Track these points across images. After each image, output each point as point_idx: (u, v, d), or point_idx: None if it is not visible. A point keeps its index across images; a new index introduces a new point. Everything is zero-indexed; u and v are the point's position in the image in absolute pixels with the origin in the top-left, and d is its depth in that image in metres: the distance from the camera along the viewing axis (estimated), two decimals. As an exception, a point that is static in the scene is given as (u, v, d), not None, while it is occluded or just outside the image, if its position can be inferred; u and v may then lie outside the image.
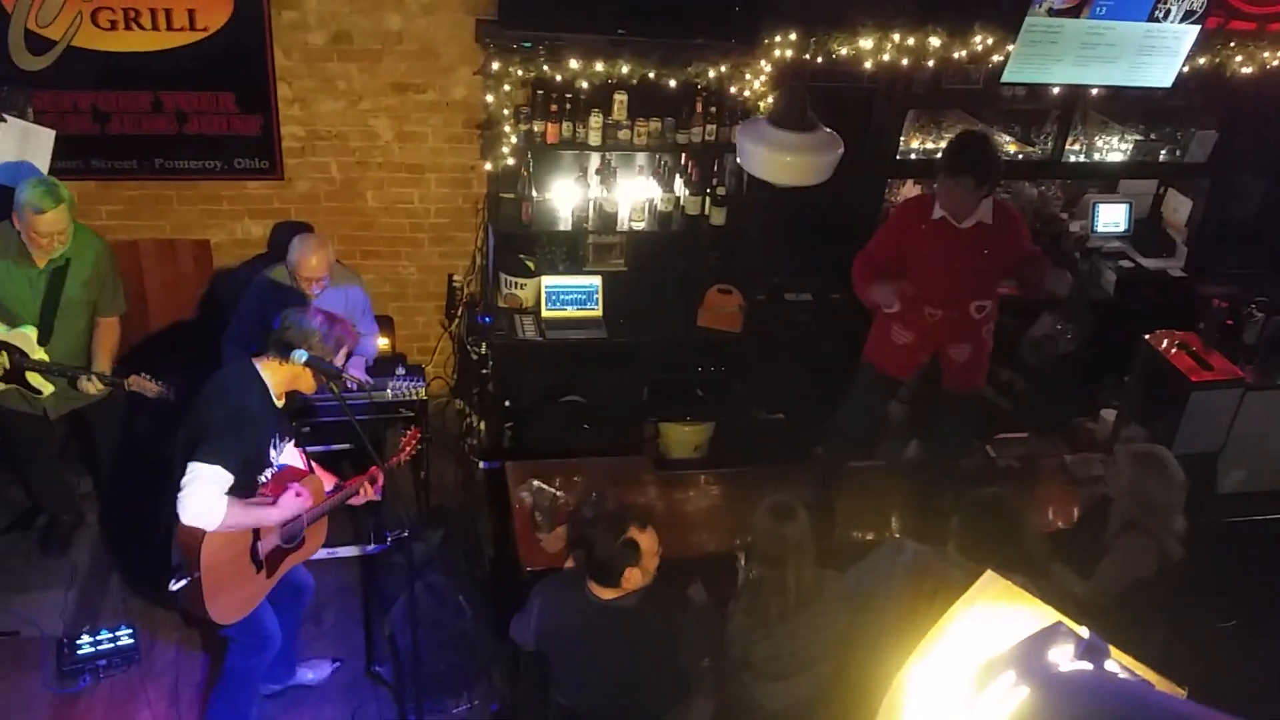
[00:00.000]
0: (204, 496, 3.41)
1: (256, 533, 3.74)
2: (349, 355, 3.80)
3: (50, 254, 4.30)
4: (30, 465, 4.98)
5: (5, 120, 4.68)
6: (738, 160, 4.37)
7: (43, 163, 4.75)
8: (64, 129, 5.01)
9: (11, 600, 4.78)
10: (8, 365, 4.39)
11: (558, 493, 4.64)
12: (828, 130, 4.12)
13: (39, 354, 4.40)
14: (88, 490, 5.32)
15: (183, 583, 3.58)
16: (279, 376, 3.62)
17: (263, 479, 3.70)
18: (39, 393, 4.50)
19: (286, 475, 3.86)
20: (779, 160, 4.06)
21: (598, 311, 5.75)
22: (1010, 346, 5.09)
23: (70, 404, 4.65)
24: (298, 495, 3.73)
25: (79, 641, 4.52)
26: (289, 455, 3.94)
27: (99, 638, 4.54)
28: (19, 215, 4.20)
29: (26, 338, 4.38)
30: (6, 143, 4.67)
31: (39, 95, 5.10)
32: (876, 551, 3.80)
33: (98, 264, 4.49)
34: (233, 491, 3.50)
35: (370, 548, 5.10)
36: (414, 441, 4.17)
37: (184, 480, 3.41)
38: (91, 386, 4.41)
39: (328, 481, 4.00)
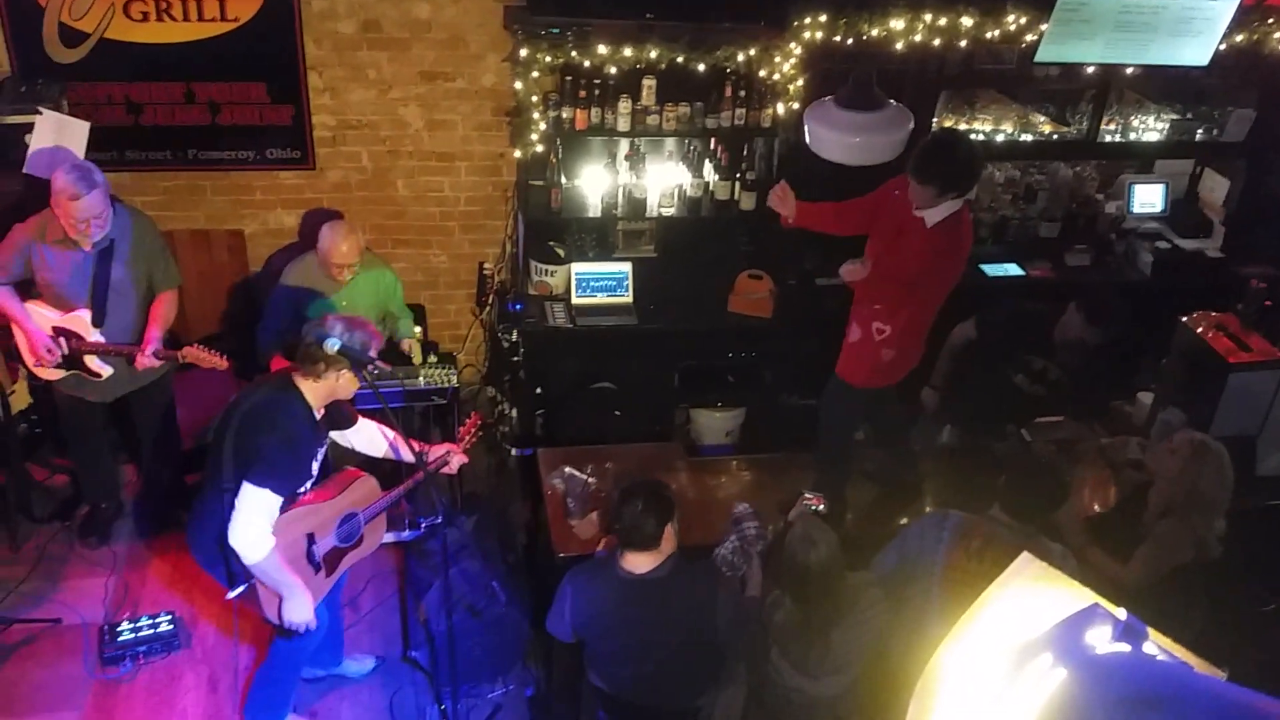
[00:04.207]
0: (255, 525, 3.47)
1: (311, 535, 3.78)
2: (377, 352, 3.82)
3: (93, 237, 4.35)
4: (80, 451, 5.06)
5: (41, 113, 4.73)
6: (808, 144, 4.32)
7: (77, 154, 4.80)
8: (98, 120, 5.05)
9: (53, 588, 4.87)
10: (65, 352, 4.46)
11: (589, 479, 4.65)
12: (896, 105, 4.09)
13: (94, 336, 4.47)
14: (127, 479, 5.40)
15: (240, 589, 3.63)
16: (318, 392, 3.65)
17: (302, 490, 3.74)
18: (98, 376, 4.56)
19: (338, 480, 3.90)
20: (848, 141, 4.05)
21: (628, 298, 5.74)
22: (1039, 331, 5.01)
23: (124, 388, 4.72)
24: (310, 602, 3.75)
25: (120, 628, 4.59)
26: (371, 432, 4.02)
27: (139, 624, 4.61)
28: (56, 203, 4.25)
29: (81, 321, 4.45)
30: (42, 135, 4.72)
31: (73, 87, 5.15)
32: (919, 522, 3.78)
33: (143, 240, 4.54)
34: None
35: (405, 534, 5.14)
36: (474, 428, 4.19)
37: (238, 499, 3.46)
38: (146, 361, 4.46)
39: (408, 451, 3.98)
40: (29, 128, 4.70)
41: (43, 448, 5.41)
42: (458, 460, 4.05)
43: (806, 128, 4.24)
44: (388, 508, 4.03)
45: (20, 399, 4.89)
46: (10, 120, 4.73)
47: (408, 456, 3.99)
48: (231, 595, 3.66)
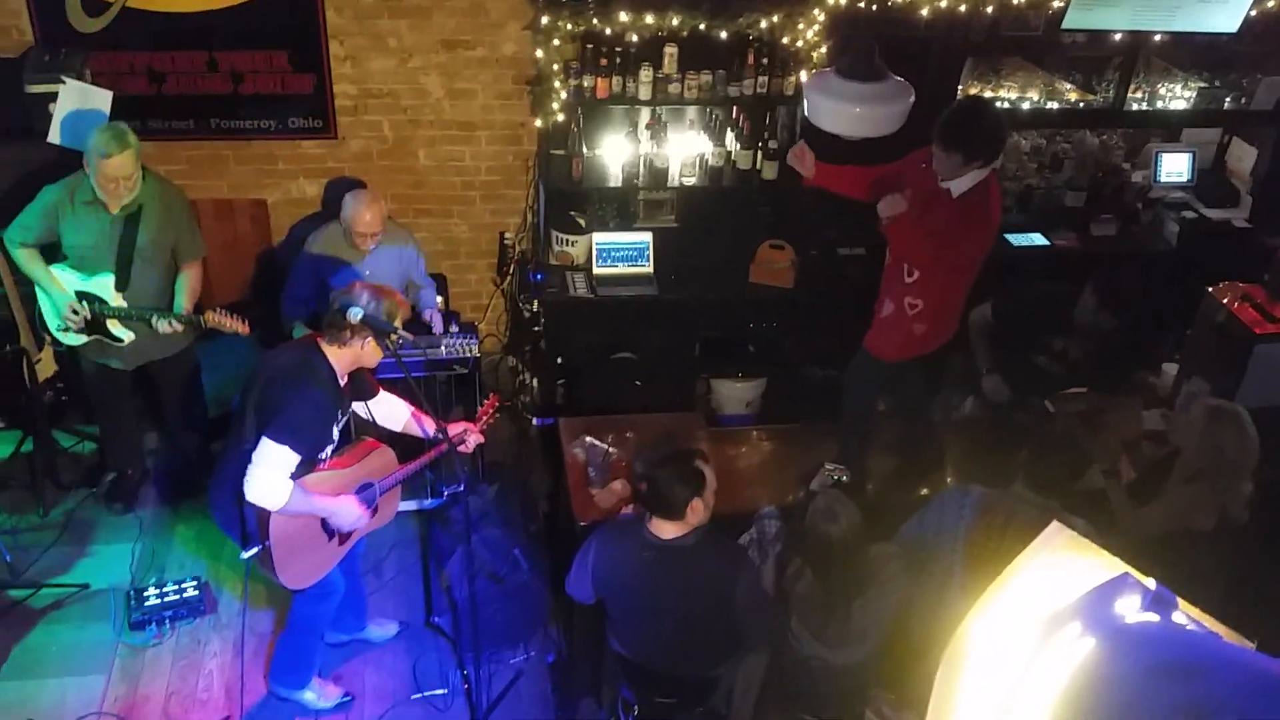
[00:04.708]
0: (270, 479, 3.48)
1: None
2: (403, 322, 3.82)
3: (121, 200, 4.38)
4: (106, 418, 5.12)
5: (64, 82, 4.75)
6: (806, 115, 4.30)
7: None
8: (121, 90, 5.06)
9: (80, 553, 4.93)
10: (89, 316, 4.50)
11: (610, 448, 4.67)
12: (897, 78, 4.05)
13: (117, 301, 4.50)
14: (151, 446, 5.45)
15: (254, 550, 3.66)
16: (342, 359, 3.66)
17: (323, 456, 3.76)
18: (120, 341, 4.60)
19: (357, 452, 3.93)
20: (849, 112, 4.00)
21: (649, 268, 5.73)
22: (1058, 312, 4.97)
23: (148, 356, 4.76)
24: (359, 505, 3.80)
25: (146, 593, 4.64)
26: (392, 405, 4.04)
27: (166, 589, 4.67)
28: (88, 161, 4.29)
29: (105, 285, 4.48)
30: (66, 105, 4.74)
31: (96, 57, 5.16)
32: (940, 496, 3.78)
33: (170, 209, 4.57)
34: (296, 469, 3.57)
35: (428, 502, 5.17)
36: (491, 409, 4.20)
37: (255, 454, 3.48)
38: (167, 326, 4.50)
39: (427, 427, 4.03)
40: (53, 97, 4.72)
41: (69, 415, 5.46)
42: (474, 439, 4.06)
43: (806, 97, 4.19)
44: (403, 480, 4.06)
45: (46, 367, 4.93)
46: (35, 90, 4.77)
47: (428, 431, 4.02)
48: (245, 555, 3.69)
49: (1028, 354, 4.98)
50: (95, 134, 4.27)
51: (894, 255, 4.42)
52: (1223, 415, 3.91)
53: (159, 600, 4.63)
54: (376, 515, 4.01)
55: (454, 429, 4.03)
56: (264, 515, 3.60)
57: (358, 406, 3.97)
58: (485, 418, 4.18)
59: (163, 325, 4.51)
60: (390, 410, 4.07)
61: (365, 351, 3.66)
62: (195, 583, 4.71)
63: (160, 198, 4.53)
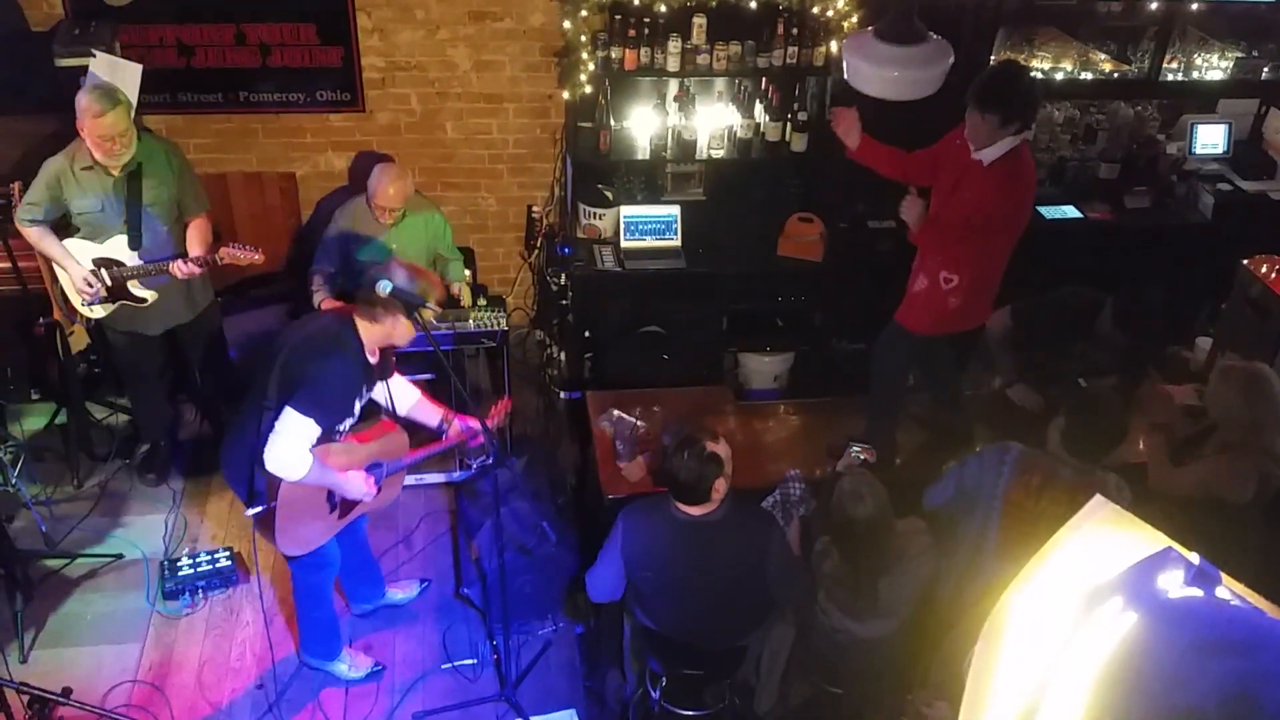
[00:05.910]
0: (292, 449, 3.49)
1: None
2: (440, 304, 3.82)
3: (119, 159, 4.37)
4: (136, 390, 5.15)
5: (94, 56, 4.75)
6: (845, 78, 4.25)
7: (131, 97, 4.82)
8: (150, 63, 5.05)
9: (115, 524, 5.00)
10: (109, 283, 4.52)
11: (638, 422, 4.66)
12: (936, 38, 4.01)
13: (134, 260, 4.53)
14: (184, 418, 5.50)
15: (259, 509, 3.70)
16: (373, 334, 3.67)
17: (340, 429, 3.76)
18: (144, 301, 4.63)
19: (374, 431, 3.94)
20: (888, 76, 3.96)
21: (677, 241, 5.70)
22: (1079, 321, 4.90)
23: (175, 319, 4.79)
24: (370, 483, 3.84)
25: (180, 563, 4.70)
26: (406, 389, 4.04)
27: (199, 559, 4.72)
28: (81, 124, 4.26)
29: (119, 246, 4.51)
30: (96, 78, 4.74)
31: (125, 30, 5.17)
32: (979, 453, 3.76)
33: (170, 164, 4.57)
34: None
35: (456, 474, 5.20)
36: (502, 412, 4.20)
37: (278, 423, 3.49)
38: (182, 270, 4.49)
39: (434, 414, 4.06)
40: (83, 70, 4.73)
41: (102, 387, 5.51)
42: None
43: (845, 61, 4.15)
44: (409, 467, 4.09)
45: (79, 339, 4.98)
46: (65, 63, 4.77)
47: (438, 421, 4.07)
48: (249, 513, 3.73)
49: (1050, 358, 4.92)
50: (83, 96, 4.22)
51: (928, 226, 4.37)
52: (1240, 377, 3.88)
53: (192, 570, 4.68)
54: (379, 496, 4.01)
55: (462, 422, 4.04)
56: (275, 477, 3.61)
57: (378, 387, 3.98)
58: (497, 417, 4.18)
59: (177, 269, 4.49)
60: (403, 394, 4.07)
61: (397, 330, 3.66)
62: (228, 553, 4.77)
63: (158, 154, 4.53)
